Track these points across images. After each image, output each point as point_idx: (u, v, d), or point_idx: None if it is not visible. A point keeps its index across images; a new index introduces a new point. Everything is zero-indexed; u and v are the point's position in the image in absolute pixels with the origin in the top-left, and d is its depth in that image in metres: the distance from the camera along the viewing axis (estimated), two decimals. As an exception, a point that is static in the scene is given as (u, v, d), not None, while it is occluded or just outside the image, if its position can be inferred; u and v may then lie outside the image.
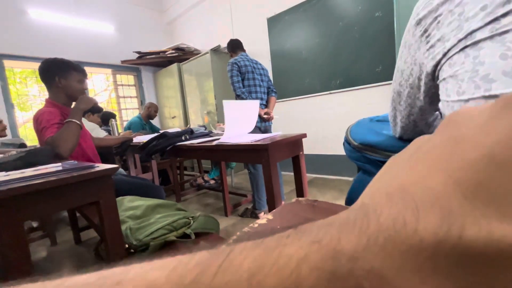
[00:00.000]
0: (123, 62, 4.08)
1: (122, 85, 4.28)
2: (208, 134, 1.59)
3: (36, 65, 3.44)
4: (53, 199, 0.64)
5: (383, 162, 0.60)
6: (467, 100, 0.29)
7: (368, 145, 0.68)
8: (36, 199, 0.61)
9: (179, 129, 2.12)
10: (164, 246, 0.85)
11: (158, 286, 0.08)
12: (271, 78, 2.15)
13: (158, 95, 4.61)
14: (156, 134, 1.55)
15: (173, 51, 3.98)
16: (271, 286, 0.08)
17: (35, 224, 2.04)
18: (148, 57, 4.09)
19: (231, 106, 1.17)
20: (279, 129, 2.96)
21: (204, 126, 2.09)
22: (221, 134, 1.78)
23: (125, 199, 1.11)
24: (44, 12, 3.37)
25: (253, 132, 1.81)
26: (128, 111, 4.34)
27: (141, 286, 0.09)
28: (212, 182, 3.11)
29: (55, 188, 0.65)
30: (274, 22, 3.09)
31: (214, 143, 1.18)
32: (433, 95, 0.40)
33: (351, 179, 2.65)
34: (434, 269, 0.07)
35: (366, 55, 2.43)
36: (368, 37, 2.39)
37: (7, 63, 3.17)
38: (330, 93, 2.74)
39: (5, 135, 2.17)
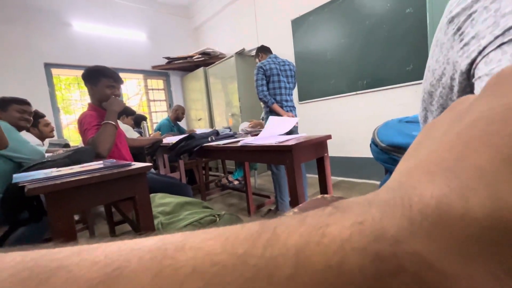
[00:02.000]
0: (153, 67, 4.32)
1: (152, 89, 4.54)
2: (233, 135, 1.64)
3: (78, 72, 3.74)
4: (97, 193, 0.72)
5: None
6: None
7: (396, 147, 0.66)
8: (83, 193, 0.69)
9: (206, 131, 2.21)
10: (192, 241, 0.89)
11: (215, 255, 0.09)
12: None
13: (185, 98, 4.81)
14: (184, 135, 1.63)
15: (200, 56, 4.13)
16: (317, 263, 0.08)
17: (76, 217, 2.23)
18: (176, 62, 4.29)
19: (274, 121, 1.23)
20: (304, 131, 2.94)
21: (229, 128, 2.15)
22: (245, 136, 1.82)
23: (156, 196, 1.19)
24: (85, 24, 3.69)
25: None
26: (157, 114, 4.58)
27: (200, 254, 0.09)
28: (236, 182, 3.17)
29: (99, 183, 0.72)
30: (298, 24, 3.09)
31: (239, 144, 1.21)
32: (466, 95, 0.39)
33: (377, 182, 2.55)
34: (481, 253, 0.07)
35: (395, 54, 2.33)
36: (398, 35, 2.30)
37: (54, 71, 3.52)
38: (357, 94, 2.66)
39: (53, 136, 2.40)
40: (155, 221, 0.93)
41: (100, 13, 3.81)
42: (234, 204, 2.50)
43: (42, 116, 2.22)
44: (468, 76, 0.35)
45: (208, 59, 4.15)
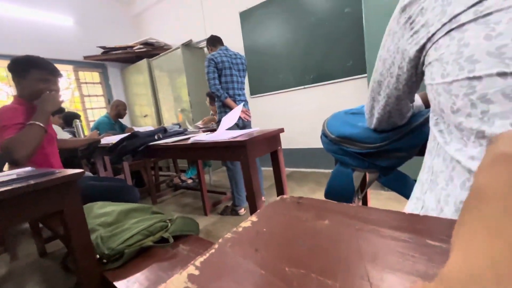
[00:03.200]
0: (86, 58, 3.79)
1: (86, 83, 3.98)
2: (183, 132, 1.53)
3: None
4: (7, 212, 0.57)
5: (360, 154, 0.60)
6: (450, 82, 0.30)
7: (344, 138, 0.69)
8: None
9: (152, 128, 2.03)
10: (141, 253, 0.80)
11: None
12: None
13: (127, 93, 4.37)
14: (126, 134, 1.46)
15: (142, 46, 3.78)
16: None
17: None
18: (114, 52, 3.84)
19: (226, 120, 1.18)
20: (256, 125, 2.96)
21: (178, 124, 2.02)
22: (197, 132, 1.73)
23: (94, 205, 1.04)
24: (2, 4, 3.00)
25: (230, 129, 1.79)
26: (94, 110, 4.05)
27: None
28: (189, 181, 3.03)
29: (9, 199, 0.57)
30: (246, 17, 3.05)
31: (190, 141, 1.14)
32: (412, 84, 0.41)
33: (327, 171, 2.74)
34: None
35: (337, 50, 2.50)
36: (339, 32, 2.46)
37: None
38: (305, 88, 2.78)
39: None
40: (93, 236, 0.80)
41: (10, -10, 3.14)
42: (189, 204, 2.39)
43: None
44: (416, 64, 0.37)
45: (152, 50, 3.82)
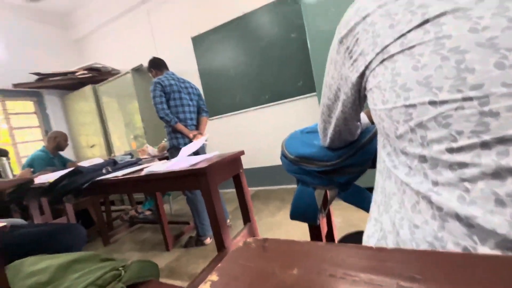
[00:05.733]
0: (16, 85, 3.34)
1: (16, 113, 3.48)
2: (136, 162, 1.41)
3: None
4: None
5: (319, 172, 0.61)
6: (390, 109, 0.32)
7: (303, 157, 0.70)
8: None
9: (100, 160, 1.82)
10: (86, 314, 0.67)
11: None
12: (202, 96, 2.08)
13: (69, 122, 3.94)
14: (67, 171, 1.28)
15: (85, 72, 3.50)
16: None
17: None
18: (51, 79, 3.47)
19: (185, 150, 1.12)
20: (215, 147, 2.92)
21: (130, 153, 1.86)
22: (152, 160, 1.61)
23: (25, 262, 0.86)
24: None
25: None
26: (28, 144, 3.53)
27: None
28: (147, 213, 2.77)
29: None
30: (199, 41, 3.08)
31: (143, 172, 1.04)
32: (357, 107, 0.44)
33: (290, 187, 2.79)
34: None
35: (287, 71, 2.66)
36: (288, 55, 2.63)
37: None
38: (261, 107, 2.86)
39: None
40: (22, 303, 0.65)
41: None
42: (148, 240, 2.16)
43: None
44: (358, 89, 0.39)
45: (98, 75, 3.56)
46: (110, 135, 3.65)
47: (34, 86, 3.46)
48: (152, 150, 2.10)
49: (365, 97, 0.41)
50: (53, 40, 3.88)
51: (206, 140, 1.93)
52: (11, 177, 1.95)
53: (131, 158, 1.52)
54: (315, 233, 0.80)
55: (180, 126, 1.79)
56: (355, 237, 0.73)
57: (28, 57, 3.52)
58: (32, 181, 1.52)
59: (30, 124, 3.62)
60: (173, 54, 3.25)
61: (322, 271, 0.18)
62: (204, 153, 1.95)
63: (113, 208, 3.24)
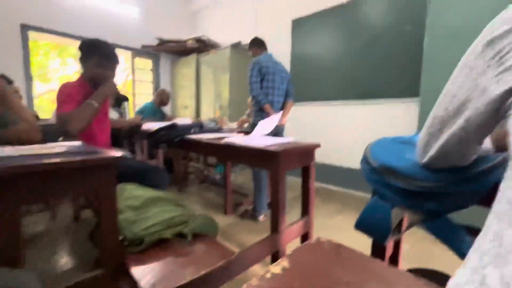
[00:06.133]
0: (143, 47, 4.10)
1: (139, 69, 4.31)
2: (218, 130, 1.56)
3: (59, 39, 3.45)
4: (52, 183, 0.62)
5: (405, 191, 0.53)
6: None
7: (390, 169, 0.62)
8: (34, 181, 0.59)
9: (189, 120, 2.10)
10: (159, 243, 0.82)
11: None
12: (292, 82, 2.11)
13: (173, 83, 4.62)
14: (165, 124, 1.53)
15: (194, 42, 3.97)
16: None
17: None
18: (168, 44, 4.09)
19: (262, 125, 1.19)
20: (291, 134, 2.90)
21: (215, 120, 2.06)
22: (231, 132, 1.74)
23: (127, 186, 1.09)
24: (73, -11, 3.41)
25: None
26: (142, 95, 4.36)
27: None
28: (217, 177, 3.09)
29: (55, 171, 0.62)
30: (299, 25, 3.03)
31: (223, 141, 1.14)
32: (484, 129, 0.35)
33: (355, 192, 2.58)
34: None
35: (389, 68, 2.35)
36: (394, 51, 2.31)
37: (31, 34, 3.22)
38: (349, 103, 2.66)
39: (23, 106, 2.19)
40: (121, 217, 0.84)
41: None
42: (211, 200, 2.42)
43: (10, 82, 2.01)
44: (498, 107, 0.31)
45: (203, 46, 4.00)
46: (201, 101, 4.12)
47: (156, 49, 4.16)
48: (229, 124, 2.27)
49: (504, 118, 0.32)
50: (176, 11, 4.51)
51: (283, 123, 1.97)
52: (127, 119, 2.47)
53: (215, 125, 1.69)
54: (378, 252, 0.73)
55: (267, 107, 1.87)
56: (427, 274, 0.62)
57: (155, 23, 4.22)
58: (140, 126, 1.88)
59: (146, 79, 4.43)
60: (270, 35, 3.31)
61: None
62: (282, 135, 2.01)
63: (190, 164, 3.73)
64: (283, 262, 0.20)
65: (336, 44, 2.71)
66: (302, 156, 1.09)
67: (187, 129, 1.44)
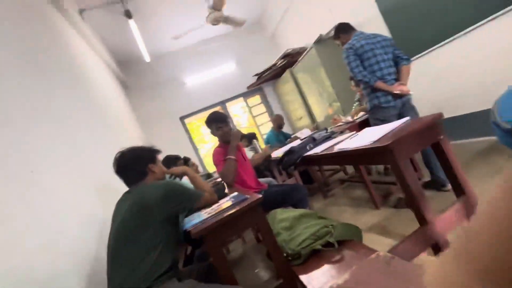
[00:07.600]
0: (248, 87, 4.86)
1: (253, 105, 5.10)
2: (330, 136, 1.63)
3: (199, 115, 4.66)
4: (227, 227, 0.96)
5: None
6: None
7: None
8: (222, 229, 0.94)
9: (308, 130, 2.27)
10: (312, 254, 1.00)
11: None
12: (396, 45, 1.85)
13: (282, 103, 5.08)
14: (285, 149, 1.78)
15: (282, 60, 4.27)
16: None
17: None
18: (264, 74, 4.63)
19: (367, 132, 1.21)
20: (423, 95, 2.43)
21: (325, 128, 2.11)
22: (344, 127, 1.76)
23: (277, 212, 1.37)
24: (195, 77, 4.71)
25: (388, 113, 1.72)
26: (264, 125, 5.08)
27: None
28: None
29: (230, 220, 0.96)
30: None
31: (335, 150, 1.21)
32: None
33: None
34: None
35: None
36: None
37: (186, 120, 4.68)
38: (486, 22, 1.95)
39: (199, 172, 3.20)
40: (279, 238, 1.10)
41: (201, 63, 4.75)
42: (358, 197, 2.40)
43: (188, 159, 3.00)
44: None
45: (291, 58, 4.22)
46: (310, 106, 4.26)
47: (257, 84, 4.82)
48: (344, 118, 2.24)
49: None
50: (259, 44, 5.09)
51: (406, 92, 1.74)
52: (260, 152, 2.99)
53: (326, 132, 1.76)
54: None
55: (380, 84, 1.74)
56: None
57: (249, 63, 4.93)
58: (270, 155, 2.26)
59: (260, 111, 5.14)
60: (350, 7, 3.04)
61: None
62: (411, 106, 1.82)
63: (326, 167, 3.85)
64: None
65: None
66: (424, 134, 0.97)
67: (303, 148, 1.62)
